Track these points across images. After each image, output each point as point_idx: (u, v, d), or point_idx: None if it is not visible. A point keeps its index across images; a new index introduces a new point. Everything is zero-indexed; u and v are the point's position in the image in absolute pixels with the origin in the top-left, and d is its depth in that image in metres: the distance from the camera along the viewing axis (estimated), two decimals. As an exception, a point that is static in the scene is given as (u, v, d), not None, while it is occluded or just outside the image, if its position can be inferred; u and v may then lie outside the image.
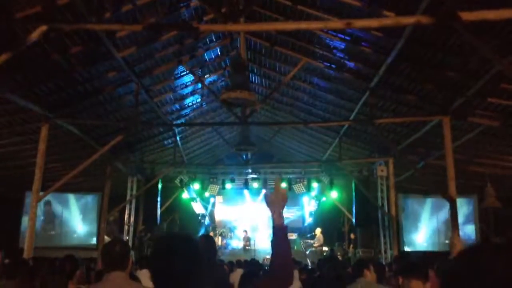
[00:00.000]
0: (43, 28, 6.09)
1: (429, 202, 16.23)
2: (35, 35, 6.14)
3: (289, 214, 19.72)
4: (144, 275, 7.89)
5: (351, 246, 17.42)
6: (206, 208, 19.67)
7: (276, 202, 2.06)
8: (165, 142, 15.17)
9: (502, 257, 0.91)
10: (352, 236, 17.61)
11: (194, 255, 1.97)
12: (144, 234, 16.15)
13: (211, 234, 18.08)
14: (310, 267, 12.88)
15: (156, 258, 1.99)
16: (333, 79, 10.77)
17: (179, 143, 14.65)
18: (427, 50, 7.99)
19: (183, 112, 13.62)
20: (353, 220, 15.96)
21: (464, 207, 14.90)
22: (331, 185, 16.56)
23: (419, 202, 16.48)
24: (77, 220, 16.53)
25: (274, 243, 1.99)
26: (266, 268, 11.70)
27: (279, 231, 2.01)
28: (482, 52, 6.40)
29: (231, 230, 19.63)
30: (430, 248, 15.82)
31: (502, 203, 13.19)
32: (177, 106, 12.92)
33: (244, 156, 16.15)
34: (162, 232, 16.10)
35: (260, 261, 12.75)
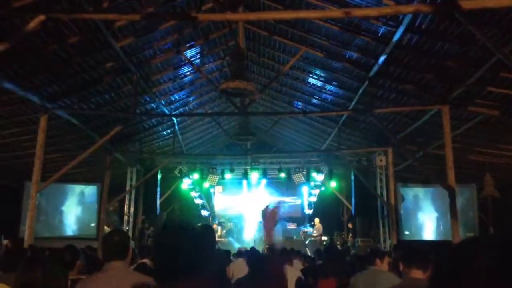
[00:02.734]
0: (41, 17, 6.06)
1: (428, 191, 16.28)
2: (32, 24, 6.11)
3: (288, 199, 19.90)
4: (144, 264, 7.92)
5: (350, 235, 17.50)
6: (202, 198, 19.75)
7: (269, 221, 2.37)
8: (164, 132, 15.16)
9: (492, 248, 0.92)
10: (350, 225, 17.69)
11: (195, 248, 1.98)
12: (146, 226, 16.23)
13: (215, 225, 18.17)
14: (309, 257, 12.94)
15: (157, 252, 1.99)
16: (332, 69, 10.74)
17: (178, 133, 14.64)
18: (426, 39, 7.96)
19: (182, 102, 13.59)
20: (352, 209, 16.01)
21: (463, 196, 14.93)
22: (330, 175, 16.58)
23: (418, 191, 16.52)
24: (77, 210, 16.57)
25: (267, 256, 2.34)
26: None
27: (271, 249, 2.35)
28: (481, 41, 6.38)
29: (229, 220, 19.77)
30: (429, 238, 15.89)
31: (501, 192, 13.23)
32: (176, 96, 12.90)
33: (243, 146, 16.15)
34: (161, 223, 16.12)
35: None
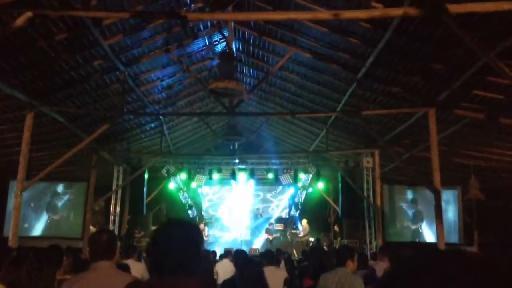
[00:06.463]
0: (29, 14, 6.00)
1: (413, 193, 16.38)
2: (20, 21, 6.05)
3: (276, 202, 19.89)
4: (129, 264, 7.86)
5: (339, 238, 17.57)
6: (189, 198, 19.71)
7: None
8: (152, 131, 15.08)
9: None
10: (336, 228, 17.75)
11: (194, 244, 1.99)
12: (137, 230, 16.15)
13: (202, 225, 18.12)
14: (296, 257, 12.98)
15: (158, 246, 1.98)
16: (321, 70, 10.78)
17: (166, 132, 14.58)
18: (414, 42, 8.02)
19: (170, 102, 13.54)
20: (339, 211, 16.09)
21: (448, 199, 15.05)
22: (318, 176, 16.64)
23: (404, 193, 16.62)
24: (62, 209, 16.37)
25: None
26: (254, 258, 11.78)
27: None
28: (468, 45, 6.45)
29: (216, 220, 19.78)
30: (415, 239, 15.99)
31: (486, 195, 13.36)
32: (164, 95, 12.84)
33: (231, 147, 16.13)
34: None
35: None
